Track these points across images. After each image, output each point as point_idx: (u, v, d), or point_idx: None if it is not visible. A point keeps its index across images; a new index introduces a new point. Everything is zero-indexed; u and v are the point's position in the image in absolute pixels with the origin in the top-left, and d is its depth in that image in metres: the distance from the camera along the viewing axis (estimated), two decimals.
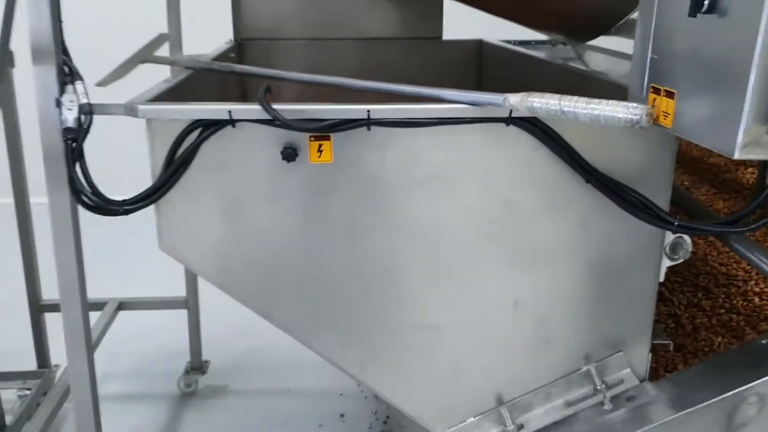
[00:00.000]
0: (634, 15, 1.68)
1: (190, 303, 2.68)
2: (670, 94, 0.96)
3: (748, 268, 1.72)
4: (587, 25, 1.91)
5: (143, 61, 1.65)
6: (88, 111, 1.20)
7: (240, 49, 2.41)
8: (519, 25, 2.12)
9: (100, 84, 1.41)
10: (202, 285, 2.72)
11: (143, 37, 1.75)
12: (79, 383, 1.33)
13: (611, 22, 1.86)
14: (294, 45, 2.48)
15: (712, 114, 0.85)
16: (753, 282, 1.69)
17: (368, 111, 1.15)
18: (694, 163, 2.23)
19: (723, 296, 1.68)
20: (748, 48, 0.77)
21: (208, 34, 2.44)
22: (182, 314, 2.75)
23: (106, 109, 1.21)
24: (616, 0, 1.75)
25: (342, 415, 2.66)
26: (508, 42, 2.58)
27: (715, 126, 0.84)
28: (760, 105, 0.78)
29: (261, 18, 2.44)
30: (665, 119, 0.98)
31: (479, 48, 2.64)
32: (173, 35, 2.23)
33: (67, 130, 1.19)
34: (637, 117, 0.97)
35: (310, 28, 2.48)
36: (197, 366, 2.78)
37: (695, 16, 0.84)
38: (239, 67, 1.64)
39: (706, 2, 0.83)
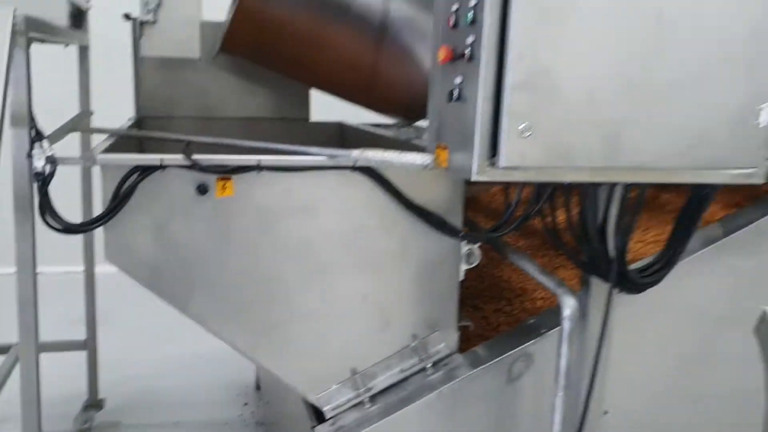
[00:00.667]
0: None
1: (89, 344, 3.02)
2: (445, 148, 1.60)
3: (537, 283, 2.38)
4: (407, 104, 2.58)
5: (74, 130, 2.13)
6: (53, 161, 1.67)
7: (141, 124, 2.89)
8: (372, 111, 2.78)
9: None
10: (101, 329, 3.08)
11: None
12: None
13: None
14: (185, 121, 2.98)
15: (462, 157, 1.49)
16: (538, 292, 2.35)
17: (259, 161, 1.71)
18: None
19: (519, 302, 2.33)
20: (474, 120, 1.42)
21: (113, 113, 2.90)
22: (79, 356, 3.08)
23: (67, 160, 1.68)
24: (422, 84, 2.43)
25: None
26: (365, 124, 3.25)
27: (464, 163, 1.47)
28: (482, 152, 1.42)
29: (157, 100, 2.92)
30: (444, 164, 1.61)
31: (340, 128, 3.27)
32: (86, 112, 2.70)
33: (37, 174, 1.65)
34: (427, 162, 1.59)
35: (198, 108, 2.99)
36: (94, 404, 3.09)
37: (450, 102, 1.48)
38: (156, 134, 2.14)
39: (455, 94, 1.48)
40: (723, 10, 1.46)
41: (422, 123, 2.73)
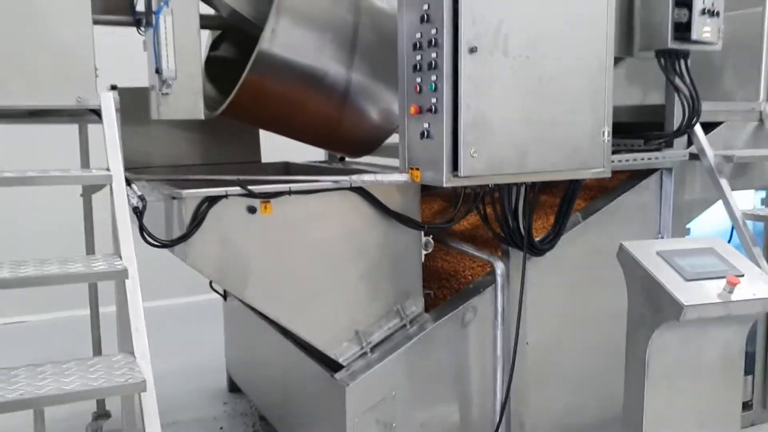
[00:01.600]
0: (388, 141, 3.28)
1: None
2: (417, 169, 2.47)
3: (470, 265, 3.25)
4: (361, 149, 3.45)
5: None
6: (143, 198, 2.35)
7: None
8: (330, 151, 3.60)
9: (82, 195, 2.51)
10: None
11: None
12: None
13: (373, 147, 3.41)
14: (162, 169, 3.62)
15: (433, 173, 2.37)
16: (465, 272, 3.24)
17: (290, 188, 2.49)
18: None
19: (454, 280, 3.19)
20: (442, 149, 2.30)
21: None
22: None
23: (154, 198, 2.37)
24: (376, 135, 3.31)
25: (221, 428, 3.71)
26: (311, 161, 4.06)
27: (435, 177, 2.35)
28: (448, 168, 2.31)
29: (134, 153, 3.55)
30: (417, 179, 2.48)
31: (286, 166, 4.04)
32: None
33: (135, 208, 2.33)
34: (406, 179, 2.46)
35: (168, 157, 3.67)
36: (102, 414, 3.62)
37: (422, 140, 2.37)
38: (207, 176, 2.84)
39: (425, 134, 2.36)
40: (576, 75, 2.46)
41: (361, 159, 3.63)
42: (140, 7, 3.16)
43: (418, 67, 2.40)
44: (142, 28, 3.15)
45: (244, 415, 3.87)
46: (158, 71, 2.84)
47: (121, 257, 2.05)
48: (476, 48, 2.26)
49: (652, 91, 3.29)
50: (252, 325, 3.68)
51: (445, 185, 2.34)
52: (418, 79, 2.41)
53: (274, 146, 3.95)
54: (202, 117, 2.98)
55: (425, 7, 2.33)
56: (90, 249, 3.47)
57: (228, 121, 3.42)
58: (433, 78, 2.32)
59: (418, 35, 2.39)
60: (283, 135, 3.43)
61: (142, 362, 1.90)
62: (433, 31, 2.30)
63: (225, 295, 4.09)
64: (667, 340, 2.07)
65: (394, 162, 3.46)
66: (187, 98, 2.89)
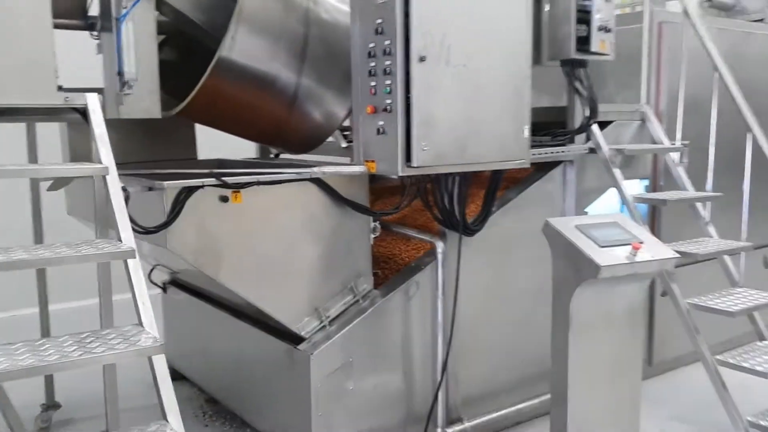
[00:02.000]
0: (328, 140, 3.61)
1: None
2: (372, 161, 2.84)
3: (405, 248, 3.63)
4: (303, 146, 3.76)
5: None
6: (126, 189, 2.57)
7: None
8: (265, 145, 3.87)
9: (49, 189, 2.70)
10: None
11: None
12: None
13: (315, 145, 3.73)
14: None
15: (388, 164, 2.75)
16: (401, 255, 3.63)
17: (258, 179, 2.78)
18: None
19: (393, 262, 3.58)
20: (396, 144, 2.69)
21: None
22: None
23: (134, 190, 2.59)
24: (318, 134, 3.63)
25: None
26: (244, 158, 4.31)
27: (391, 168, 2.73)
28: (402, 160, 2.69)
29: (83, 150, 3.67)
30: (373, 170, 2.85)
31: (220, 162, 4.27)
32: None
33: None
34: (363, 170, 2.82)
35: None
36: (51, 405, 3.72)
37: (377, 135, 2.74)
38: (205, 171, 3.05)
39: (381, 131, 2.73)
40: (503, 82, 2.92)
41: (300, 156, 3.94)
42: (93, 11, 3.35)
43: (372, 72, 2.77)
44: (95, 32, 3.33)
45: (190, 399, 4.07)
46: (120, 73, 3.04)
47: (121, 240, 2.28)
48: (425, 57, 2.66)
49: (555, 95, 3.80)
50: (197, 314, 3.91)
51: (399, 174, 2.73)
52: (373, 83, 2.78)
53: (202, 143, 4.18)
54: (159, 116, 3.20)
55: (379, 21, 2.70)
56: (39, 241, 3.58)
57: (166, 120, 3.63)
58: (388, 82, 2.70)
59: (372, 45, 2.76)
60: (232, 133, 3.69)
61: (151, 330, 2.15)
62: (387, 42, 2.68)
63: (165, 288, 4.27)
64: (586, 296, 2.55)
65: (323, 158, 3.85)
66: (145, 99, 3.11)
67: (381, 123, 2.76)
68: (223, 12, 3.42)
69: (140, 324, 2.20)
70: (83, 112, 2.63)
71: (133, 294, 2.22)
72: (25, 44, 2.72)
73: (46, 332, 3.65)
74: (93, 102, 2.57)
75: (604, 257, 2.47)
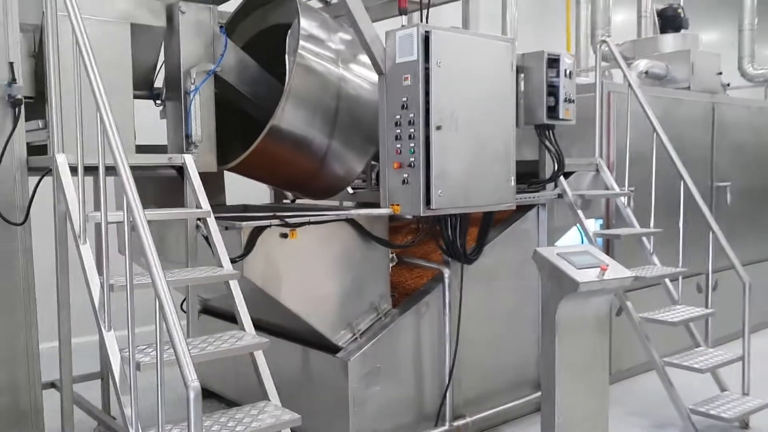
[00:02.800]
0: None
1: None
2: (397, 205, 3.63)
3: (409, 276, 4.39)
4: (325, 194, 4.50)
5: None
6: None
7: None
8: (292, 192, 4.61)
9: None
10: None
11: None
12: None
13: (334, 193, 4.49)
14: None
15: (411, 207, 3.54)
16: (407, 282, 4.38)
17: (309, 220, 3.52)
18: None
19: (401, 288, 4.34)
20: (419, 192, 3.49)
21: None
22: None
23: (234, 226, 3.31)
24: (338, 185, 4.38)
25: None
26: (264, 203, 5.03)
27: (413, 209, 3.52)
28: (423, 204, 3.49)
29: None
30: (397, 211, 3.63)
31: (245, 207, 4.99)
32: None
33: (205, 237, 3.25)
34: (389, 212, 3.60)
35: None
36: None
37: (402, 185, 3.53)
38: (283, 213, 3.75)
39: (406, 181, 3.53)
40: (496, 142, 3.77)
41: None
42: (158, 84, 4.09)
43: (398, 137, 3.58)
44: (158, 101, 4.07)
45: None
46: (188, 135, 3.78)
47: (222, 267, 2.99)
48: (441, 126, 3.48)
49: (530, 151, 4.67)
50: None
51: (422, 215, 3.52)
52: (398, 145, 3.58)
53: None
54: (216, 170, 3.93)
55: (404, 99, 3.52)
56: None
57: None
58: (412, 145, 3.51)
59: (398, 116, 3.57)
60: (265, 183, 4.43)
61: (250, 332, 2.86)
62: (411, 115, 3.50)
63: (198, 316, 4.90)
64: (568, 306, 3.36)
65: (331, 202, 4.61)
66: (206, 155, 3.84)
67: (405, 175, 3.56)
68: (264, 86, 4.21)
69: (242, 329, 2.90)
70: (179, 168, 3.34)
71: (235, 305, 2.93)
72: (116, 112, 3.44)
73: None
74: (189, 161, 3.29)
75: (581, 276, 3.29)
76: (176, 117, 3.84)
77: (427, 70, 3.48)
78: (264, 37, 4.46)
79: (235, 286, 2.98)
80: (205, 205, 3.17)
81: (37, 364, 3.26)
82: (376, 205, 3.80)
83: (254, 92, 4.19)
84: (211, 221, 3.12)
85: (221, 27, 3.93)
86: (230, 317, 4.53)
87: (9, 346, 3.18)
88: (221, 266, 3.06)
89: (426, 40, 3.47)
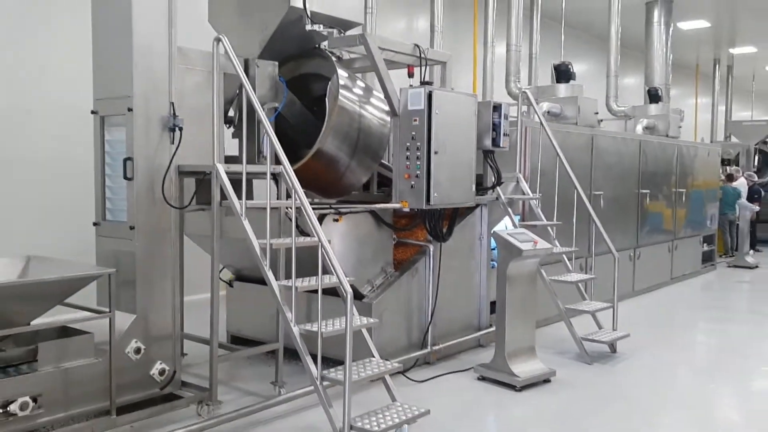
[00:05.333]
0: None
1: None
2: (405, 202, 5.55)
3: (397, 252, 6.29)
4: (338, 195, 6.32)
5: None
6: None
7: None
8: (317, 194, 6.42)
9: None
10: None
11: None
12: None
13: (344, 195, 6.33)
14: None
15: (416, 202, 5.49)
16: (398, 254, 6.30)
17: (350, 209, 5.35)
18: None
19: (396, 259, 6.25)
20: (422, 193, 5.46)
21: None
22: None
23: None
24: (350, 188, 6.24)
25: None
26: None
27: (418, 204, 5.47)
28: (425, 201, 5.46)
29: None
30: (406, 206, 5.56)
31: None
32: None
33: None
34: (399, 206, 5.52)
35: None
36: None
37: (411, 189, 5.47)
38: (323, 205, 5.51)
39: (413, 186, 5.47)
40: (466, 161, 5.80)
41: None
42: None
43: (408, 158, 5.51)
44: (232, 126, 5.76)
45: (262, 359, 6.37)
46: (260, 151, 5.54)
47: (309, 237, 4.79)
48: (438, 151, 5.46)
49: (479, 167, 6.72)
50: (264, 297, 6.28)
51: (424, 208, 5.47)
52: (407, 163, 5.51)
53: None
54: None
55: (413, 133, 5.46)
56: None
57: None
58: (418, 163, 5.45)
59: (408, 144, 5.50)
60: (310, 190, 6.19)
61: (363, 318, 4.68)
62: (418, 144, 5.44)
63: (231, 284, 6.57)
64: (514, 266, 5.42)
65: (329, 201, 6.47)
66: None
67: (413, 183, 5.49)
68: (303, 117, 5.99)
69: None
70: (275, 176, 5.08)
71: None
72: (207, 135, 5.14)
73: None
74: (287, 166, 5.03)
75: (523, 246, 5.37)
76: (249, 138, 5.55)
77: (429, 115, 5.44)
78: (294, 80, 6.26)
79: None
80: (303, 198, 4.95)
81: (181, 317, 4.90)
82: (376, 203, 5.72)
83: (297, 122, 5.97)
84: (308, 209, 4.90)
85: (280, 77, 5.70)
86: (260, 281, 6.27)
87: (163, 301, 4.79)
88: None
89: (429, 96, 5.44)
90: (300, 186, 4.25)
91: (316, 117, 5.95)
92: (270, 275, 4.39)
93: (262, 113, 4.69)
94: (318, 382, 4.16)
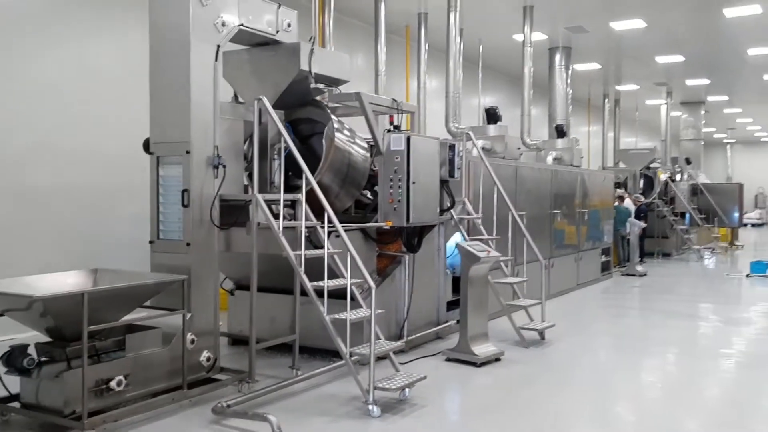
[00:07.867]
0: None
1: None
2: (389, 221, 7.09)
3: (378, 261, 7.79)
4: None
5: None
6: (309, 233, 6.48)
7: None
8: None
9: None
10: None
11: None
12: None
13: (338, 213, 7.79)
14: None
15: (399, 221, 7.04)
16: (378, 264, 7.81)
17: (350, 227, 6.83)
18: None
19: (377, 268, 7.76)
20: (403, 214, 7.02)
21: None
22: None
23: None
24: (338, 210, 7.70)
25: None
26: None
27: (401, 222, 7.03)
28: (406, 219, 7.03)
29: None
30: (389, 224, 7.10)
31: None
32: None
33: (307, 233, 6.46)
34: (385, 224, 7.05)
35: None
36: None
37: (394, 211, 7.02)
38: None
39: (395, 208, 7.02)
40: (432, 188, 7.42)
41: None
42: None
43: (391, 186, 7.06)
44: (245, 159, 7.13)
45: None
46: (272, 182, 6.96)
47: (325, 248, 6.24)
48: (415, 182, 7.05)
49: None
50: (264, 303, 7.61)
51: (406, 225, 7.02)
52: (391, 191, 7.06)
53: None
54: None
55: (395, 167, 7.03)
56: None
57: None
58: (400, 191, 7.02)
59: (392, 176, 7.06)
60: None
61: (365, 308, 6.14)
62: (400, 176, 7.01)
63: (232, 292, 7.85)
64: (473, 270, 7.05)
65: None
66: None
67: (395, 206, 7.04)
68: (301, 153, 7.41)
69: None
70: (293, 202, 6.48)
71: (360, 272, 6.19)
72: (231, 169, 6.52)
73: None
74: (314, 182, 6.45)
75: (480, 254, 7.02)
76: (261, 171, 6.93)
77: (408, 154, 7.02)
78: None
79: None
80: (314, 219, 6.38)
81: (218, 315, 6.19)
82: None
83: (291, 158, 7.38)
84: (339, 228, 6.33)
85: (286, 123, 7.13)
86: (259, 289, 7.61)
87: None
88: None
89: (408, 139, 7.03)
90: (331, 210, 5.70)
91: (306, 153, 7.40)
92: (305, 278, 5.81)
93: (295, 150, 6.15)
94: (347, 357, 5.61)
